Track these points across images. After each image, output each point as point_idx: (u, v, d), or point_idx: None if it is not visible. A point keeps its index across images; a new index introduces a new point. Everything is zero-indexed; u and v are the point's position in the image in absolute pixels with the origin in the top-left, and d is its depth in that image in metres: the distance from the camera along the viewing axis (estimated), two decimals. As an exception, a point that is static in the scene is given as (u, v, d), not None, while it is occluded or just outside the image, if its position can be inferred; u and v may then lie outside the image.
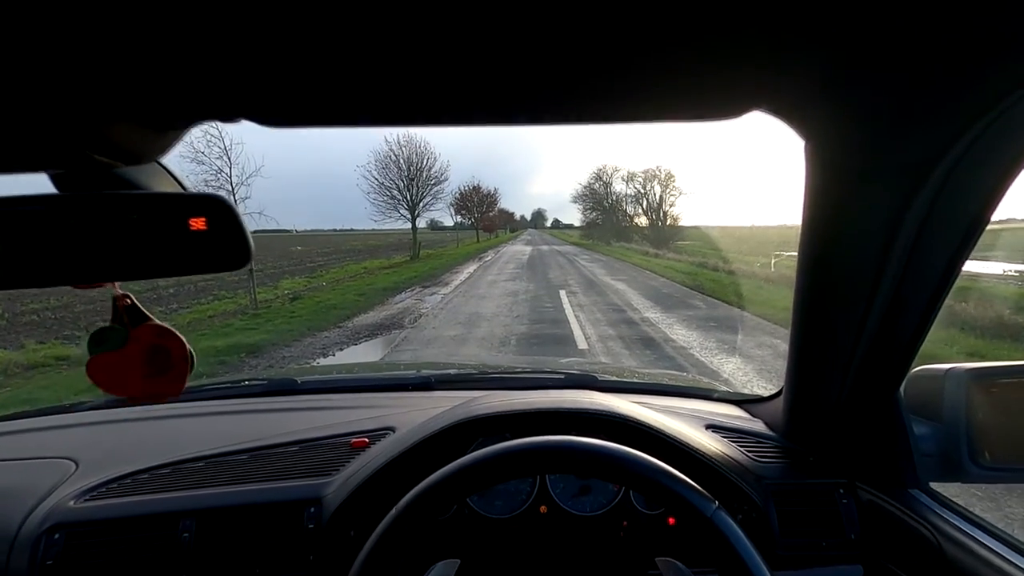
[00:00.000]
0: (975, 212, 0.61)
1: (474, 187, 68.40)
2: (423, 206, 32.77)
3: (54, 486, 0.99)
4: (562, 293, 12.44)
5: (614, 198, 53.90)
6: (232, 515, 0.93)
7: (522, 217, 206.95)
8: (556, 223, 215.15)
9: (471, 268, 21.10)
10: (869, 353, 0.80)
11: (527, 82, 0.42)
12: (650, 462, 0.60)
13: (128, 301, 0.61)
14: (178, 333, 0.63)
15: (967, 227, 0.63)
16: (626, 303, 10.83)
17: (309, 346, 7.42)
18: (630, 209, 51.72)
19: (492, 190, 72.74)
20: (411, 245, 30.68)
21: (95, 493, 0.96)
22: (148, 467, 1.03)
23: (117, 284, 0.59)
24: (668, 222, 45.90)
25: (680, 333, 7.68)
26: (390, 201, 31.92)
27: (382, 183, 31.80)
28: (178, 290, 15.70)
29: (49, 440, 1.21)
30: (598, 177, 58.14)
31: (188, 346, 0.64)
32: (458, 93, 0.44)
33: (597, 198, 55.75)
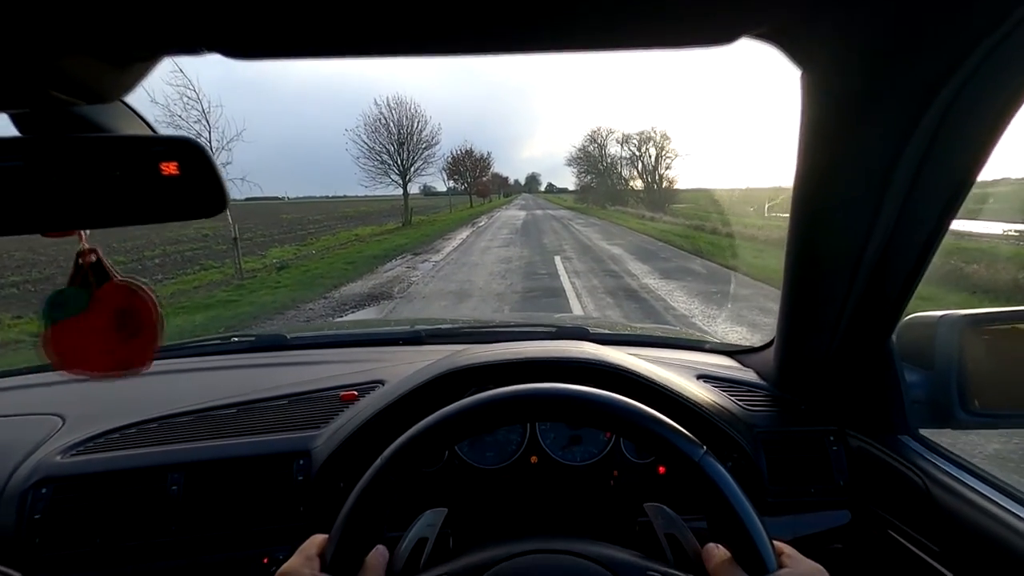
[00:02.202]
0: (976, 147, 0.59)
1: (466, 151, 67.27)
2: (414, 171, 32.00)
3: (41, 441, 0.99)
4: (557, 259, 12.11)
5: (609, 161, 53.23)
6: (221, 468, 0.93)
7: (516, 182, 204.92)
8: (550, 187, 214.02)
9: (464, 234, 20.58)
10: (862, 300, 0.79)
11: (510, 5, 0.41)
12: (637, 407, 0.59)
13: (94, 257, 0.56)
14: (148, 291, 0.58)
15: (967, 164, 0.61)
16: (624, 269, 10.52)
17: (292, 319, 7.12)
18: (625, 172, 51.17)
19: (485, 154, 71.56)
20: (403, 211, 30.11)
21: (82, 448, 0.96)
22: (136, 422, 1.02)
23: (85, 237, 0.55)
24: (663, 185, 45.35)
25: (681, 300, 7.41)
26: (380, 166, 31.14)
27: (372, 147, 31.01)
28: (164, 260, 15.50)
29: (35, 397, 1.22)
30: (592, 140, 57.27)
31: (158, 307, 0.59)
32: (441, 17, 0.42)
33: (591, 161, 54.97)
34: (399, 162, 31.37)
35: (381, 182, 31.62)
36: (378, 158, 31.05)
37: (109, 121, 0.52)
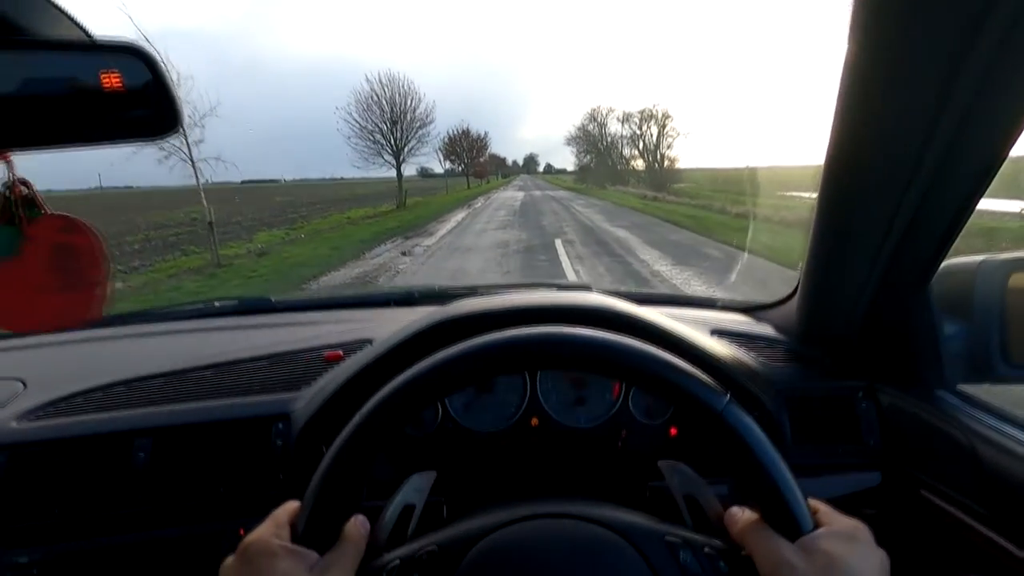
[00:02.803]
0: None
1: (463, 131, 65.84)
2: (408, 151, 30.96)
3: None
4: (558, 243, 11.25)
5: (609, 140, 51.96)
6: (193, 433, 0.86)
7: (514, 162, 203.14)
8: (548, 168, 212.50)
9: (459, 216, 19.74)
10: (900, 246, 0.75)
11: None
12: (651, 352, 0.53)
13: (25, 190, 0.51)
14: (89, 226, 0.52)
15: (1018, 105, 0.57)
16: (632, 254, 9.68)
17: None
18: (626, 151, 49.93)
19: (482, 134, 70.11)
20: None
21: (41, 412, 0.90)
22: (101, 385, 0.95)
23: (13, 164, 0.50)
24: (665, 164, 44.26)
25: (699, 292, 6.59)
26: (373, 146, 30.10)
27: (364, 127, 29.92)
28: (145, 245, 14.76)
29: None
30: (592, 118, 55.98)
31: (103, 244, 0.53)
32: None
33: (591, 140, 53.70)
34: (392, 142, 30.30)
35: (374, 163, 30.61)
36: (370, 138, 30.01)
37: (36, 25, 0.45)
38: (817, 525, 0.48)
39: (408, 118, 30.74)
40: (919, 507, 0.82)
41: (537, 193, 39.51)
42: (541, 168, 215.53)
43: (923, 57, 0.56)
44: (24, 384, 1.00)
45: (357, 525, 0.52)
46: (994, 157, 0.62)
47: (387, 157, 30.21)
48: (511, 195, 37.32)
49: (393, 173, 31.14)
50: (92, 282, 0.52)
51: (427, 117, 31.59)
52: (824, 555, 0.45)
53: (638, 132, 46.54)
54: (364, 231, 15.54)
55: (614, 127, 53.90)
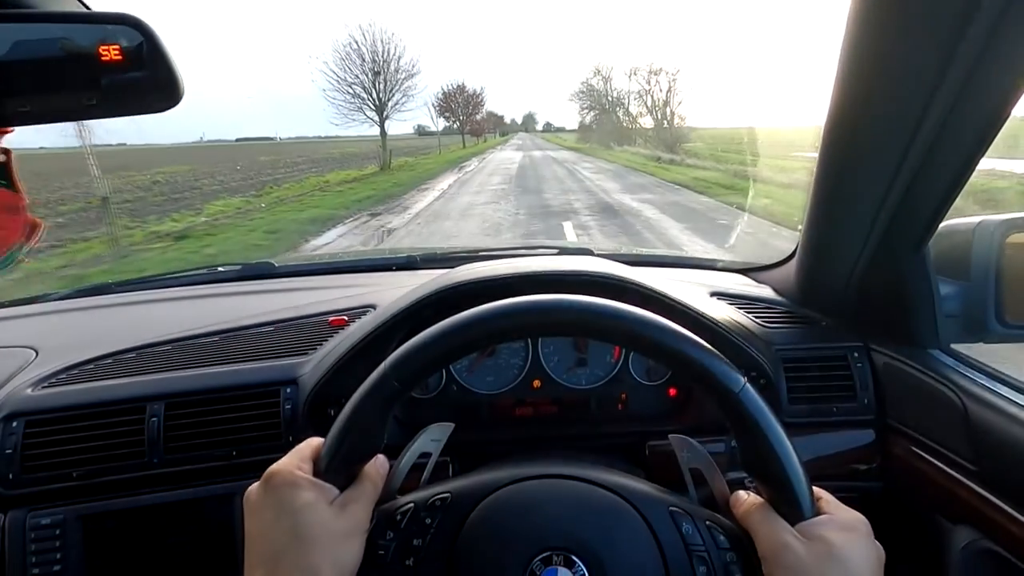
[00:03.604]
0: None
1: (458, 86, 61.77)
2: (393, 106, 27.65)
3: (11, 374, 0.95)
4: (567, 226, 8.42)
5: (615, 95, 48.03)
6: (203, 399, 0.88)
7: (512, 120, 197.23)
8: (548, 126, 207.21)
9: (446, 183, 16.93)
10: (899, 208, 0.76)
11: None
12: (673, 328, 0.53)
13: (1, 158, 0.50)
14: (27, 220, 0.51)
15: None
16: (678, 247, 6.86)
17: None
18: (633, 108, 46.16)
19: (478, 90, 65.91)
20: (392, 152, 26.02)
21: (54, 380, 0.92)
22: (111, 352, 0.97)
23: (6, 134, 0.49)
24: (675, 123, 40.78)
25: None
26: (353, 100, 26.80)
27: (343, 79, 26.54)
28: (75, 217, 12.12)
29: (6, 330, 1.17)
30: (597, 72, 52.05)
31: (28, 241, 0.51)
32: None
33: (595, 96, 49.67)
34: (375, 96, 26.97)
35: (354, 119, 27.35)
36: (349, 91, 26.66)
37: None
38: (819, 513, 0.50)
39: (391, 68, 27.25)
40: (912, 463, 0.84)
41: (537, 154, 35.41)
42: (540, 127, 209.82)
43: (927, 17, 0.57)
44: (36, 352, 1.01)
45: (377, 465, 0.53)
46: (995, 118, 0.63)
47: (369, 112, 26.89)
48: (508, 156, 33.73)
49: (375, 130, 27.90)
50: None
51: (412, 67, 28.12)
52: (822, 541, 0.47)
53: (646, 87, 42.82)
54: (330, 201, 13.11)
55: (620, 82, 50.12)
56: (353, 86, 26.43)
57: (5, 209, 0.49)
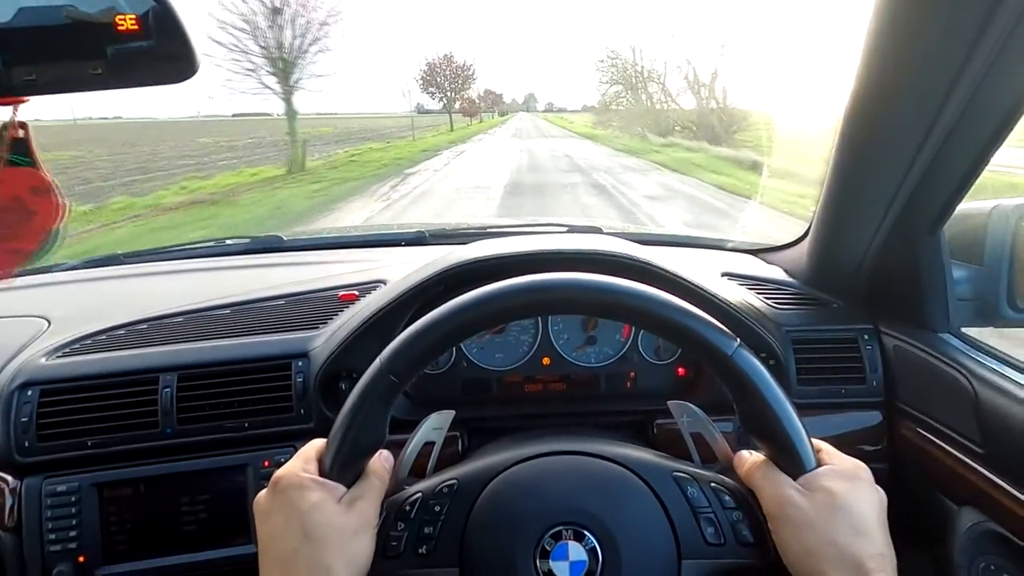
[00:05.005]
0: None
1: (444, 57, 51.07)
2: (302, 70, 17.14)
3: (25, 344, 0.96)
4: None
5: (645, 68, 36.12)
6: (216, 370, 0.90)
7: (513, 100, 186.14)
8: (549, 106, 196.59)
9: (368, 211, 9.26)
10: (917, 188, 0.76)
11: None
12: (664, 298, 0.55)
13: (20, 133, 0.51)
14: (60, 198, 0.52)
15: None
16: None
17: None
18: (671, 85, 34.62)
19: (468, 62, 54.96)
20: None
21: (67, 350, 0.94)
22: (124, 323, 0.99)
23: (17, 108, 0.50)
24: (723, 103, 30.00)
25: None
26: (242, 57, 16.42)
27: (226, 23, 16.15)
28: None
29: (18, 299, 1.16)
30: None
31: (61, 219, 0.53)
32: None
33: (620, 67, 38.05)
34: (277, 58, 16.49)
35: (249, 89, 17.06)
36: (239, 46, 16.28)
37: None
38: (820, 464, 0.51)
39: (299, 16, 16.68)
40: (919, 445, 0.85)
41: (540, 149, 22.89)
42: (541, 107, 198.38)
43: (952, 4, 0.57)
44: (48, 322, 1.03)
45: (381, 460, 0.55)
46: (1016, 106, 0.63)
47: (268, 78, 16.45)
48: (498, 147, 23.60)
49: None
50: (21, 247, 0.51)
51: (332, 18, 17.47)
52: (825, 492, 0.49)
53: (686, 58, 31.78)
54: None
55: (650, 53, 39.04)
56: (242, 39, 15.86)
57: (33, 190, 0.49)
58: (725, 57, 30.90)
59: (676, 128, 29.53)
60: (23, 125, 0.50)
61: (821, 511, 0.48)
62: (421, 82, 50.82)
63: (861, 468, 0.52)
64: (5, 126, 0.50)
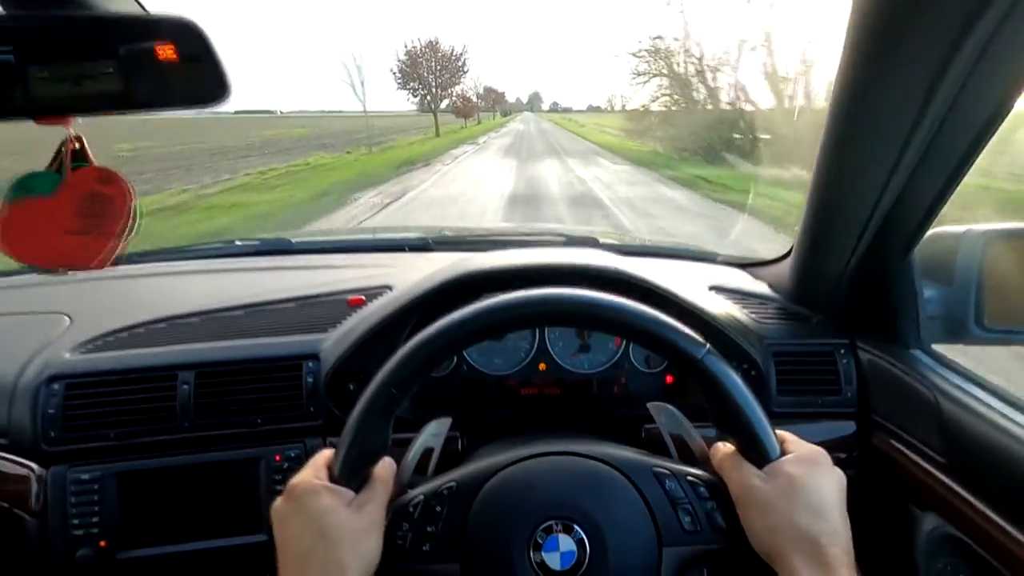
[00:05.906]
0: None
1: (428, 44, 41.77)
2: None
3: (49, 339, 0.99)
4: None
5: (706, 56, 24.44)
6: (231, 369, 0.94)
7: (517, 99, 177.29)
8: (555, 106, 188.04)
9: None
10: (890, 213, 0.80)
11: None
12: (637, 308, 0.60)
13: (77, 145, 0.55)
14: (125, 180, 0.56)
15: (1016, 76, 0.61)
16: None
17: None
18: (741, 76, 24.08)
19: (458, 50, 45.44)
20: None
21: (91, 346, 0.97)
22: (144, 321, 1.02)
23: (73, 125, 0.54)
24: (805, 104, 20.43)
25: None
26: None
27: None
28: None
29: (39, 296, 1.20)
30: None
31: (133, 199, 0.57)
32: None
33: (665, 57, 26.85)
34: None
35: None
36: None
37: (99, 3, 0.49)
38: (784, 453, 0.56)
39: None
40: (888, 455, 0.89)
41: (550, 171, 15.35)
42: (546, 106, 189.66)
43: (924, 24, 0.58)
44: (70, 318, 1.06)
45: (386, 466, 0.59)
46: (983, 132, 0.66)
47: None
48: (486, 170, 15.46)
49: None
50: (110, 232, 0.54)
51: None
52: (786, 476, 0.53)
53: (768, 40, 21.83)
54: None
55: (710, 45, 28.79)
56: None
57: (101, 181, 0.53)
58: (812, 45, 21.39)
59: (737, 140, 19.69)
60: (79, 138, 0.54)
61: (782, 494, 0.52)
62: (400, 76, 41.81)
63: (820, 453, 0.56)
64: (64, 142, 0.53)
